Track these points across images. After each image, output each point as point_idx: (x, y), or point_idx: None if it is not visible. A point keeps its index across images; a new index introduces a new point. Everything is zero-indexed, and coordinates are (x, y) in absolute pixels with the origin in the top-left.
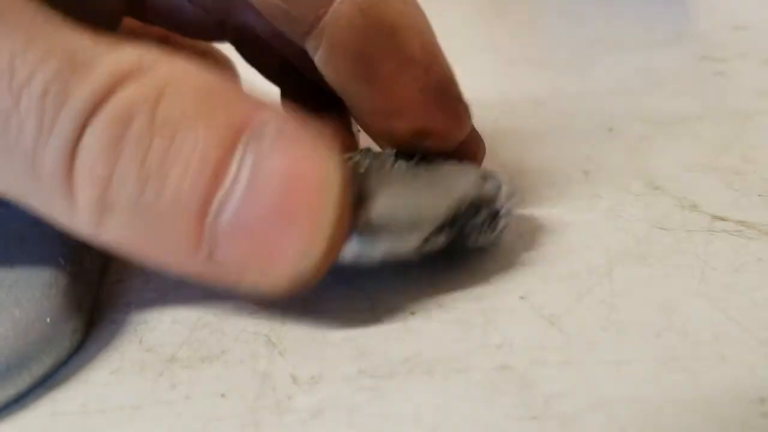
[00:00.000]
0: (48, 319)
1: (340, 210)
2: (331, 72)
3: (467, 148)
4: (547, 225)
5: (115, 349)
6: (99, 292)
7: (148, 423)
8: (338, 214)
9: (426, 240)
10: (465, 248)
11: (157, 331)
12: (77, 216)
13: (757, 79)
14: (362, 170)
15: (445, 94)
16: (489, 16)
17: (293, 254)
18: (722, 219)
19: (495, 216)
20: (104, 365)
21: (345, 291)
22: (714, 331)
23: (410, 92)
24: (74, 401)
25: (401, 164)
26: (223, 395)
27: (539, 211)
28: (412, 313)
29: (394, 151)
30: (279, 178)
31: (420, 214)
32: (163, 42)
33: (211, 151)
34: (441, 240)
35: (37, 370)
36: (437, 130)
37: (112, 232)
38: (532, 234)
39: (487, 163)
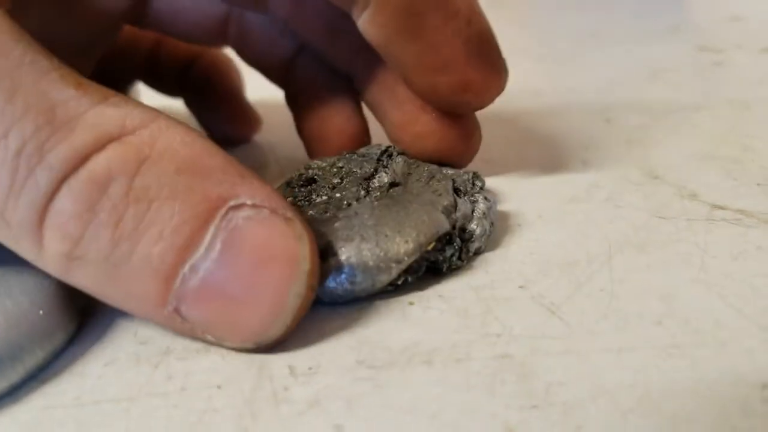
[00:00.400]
0: (41, 311)
1: (307, 285)
2: (378, 31)
3: (467, 127)
4: (545, 215)
5: (109, 341)
6: None
7: (143, 415)
8: (305, 288)
9: (395, 280)
10: (440, 272)
11: (152, 324)
12: (45, 262)
13: (755, 69)
14: (328, 213)
15: (485, 45)
16: (486, 9)
17: (260, 322)
18: (721, 208)
19: (469, 239)
20: (98, 358)
21: None
22: (714, 318)
23: (454, 45)
24: (68, 394)
25: (365, 202)
26: (219, 386)
27: (538, 201)
28: (411, 304)
29: (367, 173)
30: (251, 251)
31: (387, 258)
32: (156, 47)
33: (186, 223)
34: (411, 278)
35: (31, 362)
36: (478, 83)
37: (79, 281)
38: (531, 224)
39: (486, 153)
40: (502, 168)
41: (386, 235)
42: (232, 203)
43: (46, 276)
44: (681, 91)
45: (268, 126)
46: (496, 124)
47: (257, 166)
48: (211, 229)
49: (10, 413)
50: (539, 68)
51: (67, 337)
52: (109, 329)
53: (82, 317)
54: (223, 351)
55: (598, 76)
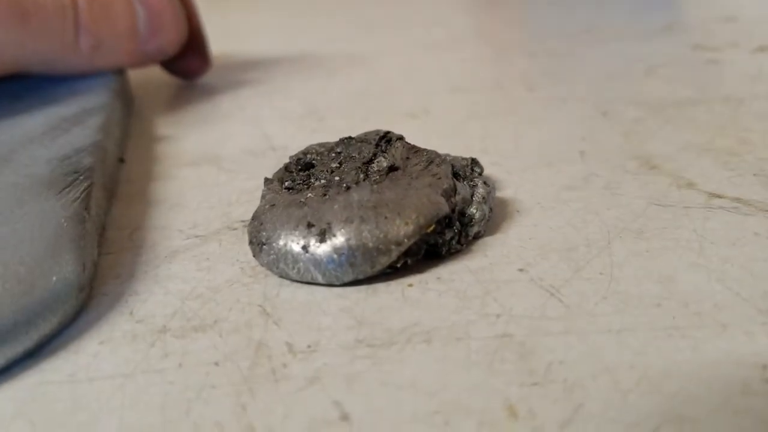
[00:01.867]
0: (54, 278)
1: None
2: None
3: None
4: (543, 202)
5: (105, 320)
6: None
7: (138, 391)
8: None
9: (395, 262)
10: (439, 256)
11: (149, 303)
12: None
13: (750, 67)
14: (327, 196)
15: None
16: (483, 6)
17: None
18: (719, 196)
19: (468, 223)
20: (93, 336)
21: None
22: (714, 301)
23: None
24: (62, 371)
25: (365, 184)
26: (216, 364)
27: (536, 189)
28: (410, 285)
29: (365, 158)
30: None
31: (387, 240)
32: None
33: None
34: (410, 260)
35: (45, 328)
36: None
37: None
38: (529, 210)
39: (483, 144)
40: (500, 158)
41: (386, 217)
42: None
43: (57, 244)
44: (677, 86)
45: (262, 114)
46: (493, 115)
47: (253, 152)
48: None
49: (4, 389)
50: (533, 64)
51: (79, 304)
52: (105, 309)
53: (91, 288)
54: (221, 329)
55: (593, 72)
